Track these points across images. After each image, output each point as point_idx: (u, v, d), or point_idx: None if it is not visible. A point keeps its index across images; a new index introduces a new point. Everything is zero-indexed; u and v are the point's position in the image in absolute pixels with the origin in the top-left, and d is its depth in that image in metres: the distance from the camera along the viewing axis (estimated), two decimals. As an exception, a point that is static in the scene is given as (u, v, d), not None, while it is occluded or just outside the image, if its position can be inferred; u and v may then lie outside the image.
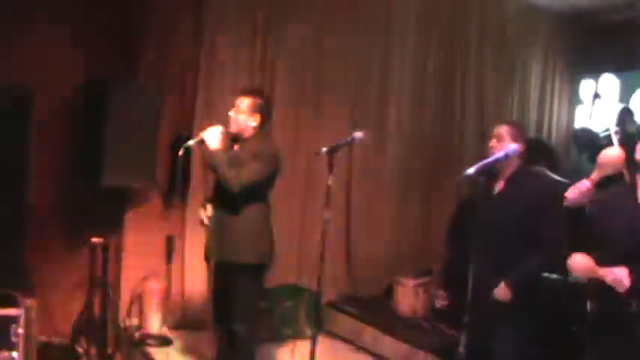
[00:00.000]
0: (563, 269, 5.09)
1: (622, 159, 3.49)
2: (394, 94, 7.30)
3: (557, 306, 5.09)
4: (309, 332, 6.11)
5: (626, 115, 7.39)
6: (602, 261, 3.41)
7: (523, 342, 4.05)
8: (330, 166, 4.13)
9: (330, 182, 4.13)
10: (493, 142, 4.14)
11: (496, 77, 8.10)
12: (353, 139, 4.28)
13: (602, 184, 3.53)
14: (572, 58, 8.84)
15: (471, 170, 3.79)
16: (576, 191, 3.53)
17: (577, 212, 3.55)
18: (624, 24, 8.33)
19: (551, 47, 8.71)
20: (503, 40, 8.10)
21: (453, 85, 7.76)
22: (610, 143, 6.13)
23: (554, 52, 8.76)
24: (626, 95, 8.36)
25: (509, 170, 4.13)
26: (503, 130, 4.14)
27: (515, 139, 4.09)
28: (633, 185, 3.53)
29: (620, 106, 7.94)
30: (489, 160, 3.97)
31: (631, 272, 3.29)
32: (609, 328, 3.52)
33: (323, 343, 5.96)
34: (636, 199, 3.48)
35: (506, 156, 3.98)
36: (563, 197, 4.09)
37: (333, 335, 6.43)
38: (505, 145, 4.04)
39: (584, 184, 3.52)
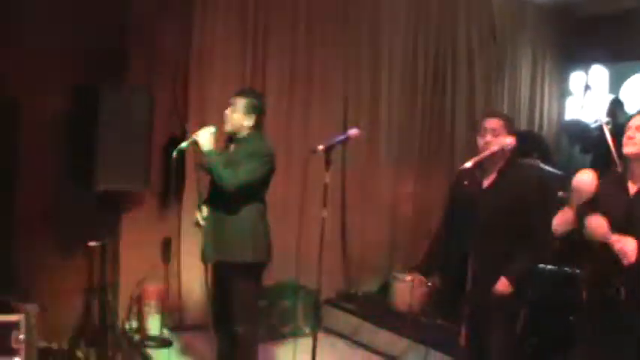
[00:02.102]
0: (557, 261, 5.15)
1: (595, 183, 3.47)
2: (385, 87, 7.34)
3: (553, 296, 5.12)
4: (307, 330, 6.14)
5: (616, 105, 7.42)
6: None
7: (520, 332, 4.05)
8: (328, 163, 4.09)
9: (327, 180, 4.11)
10: (488, 137, 4.03)
11: (486, 70, 8.13)
12: (348, 136, 4.27)
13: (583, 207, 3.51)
14: (562, 51, 8.89)
15: (468, 164, 3.80)
16: (561, 221, 3.57)
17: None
18: (612, 15, 8.38)
19: (540, 40, 8.77)
20: (492, 34, 8.12)
21: (444, 78, 7.81)
22: (602, 134, 6.14)
23: (543, 44, 8.82)
24: (615, 86, 8.42)
25: (498, 164, 4.07)
26: (497, 123, 4.08)
27: (510, 133, 4.08)
28: (623, 176, 3.53)
29: (611, 96, 7.98)
30: (486, 153, 3.96)
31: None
32: (599, 316, 3.52)
33: (321, 340, 5.98)
34: (627, 191, 3.47)
35: (503, 150, 3.98)
36: (555, 188, 4.10)
37: (331, 332, 6.45)
38: (501, 139, 4.03)
39: (566, 214, 3.54)
